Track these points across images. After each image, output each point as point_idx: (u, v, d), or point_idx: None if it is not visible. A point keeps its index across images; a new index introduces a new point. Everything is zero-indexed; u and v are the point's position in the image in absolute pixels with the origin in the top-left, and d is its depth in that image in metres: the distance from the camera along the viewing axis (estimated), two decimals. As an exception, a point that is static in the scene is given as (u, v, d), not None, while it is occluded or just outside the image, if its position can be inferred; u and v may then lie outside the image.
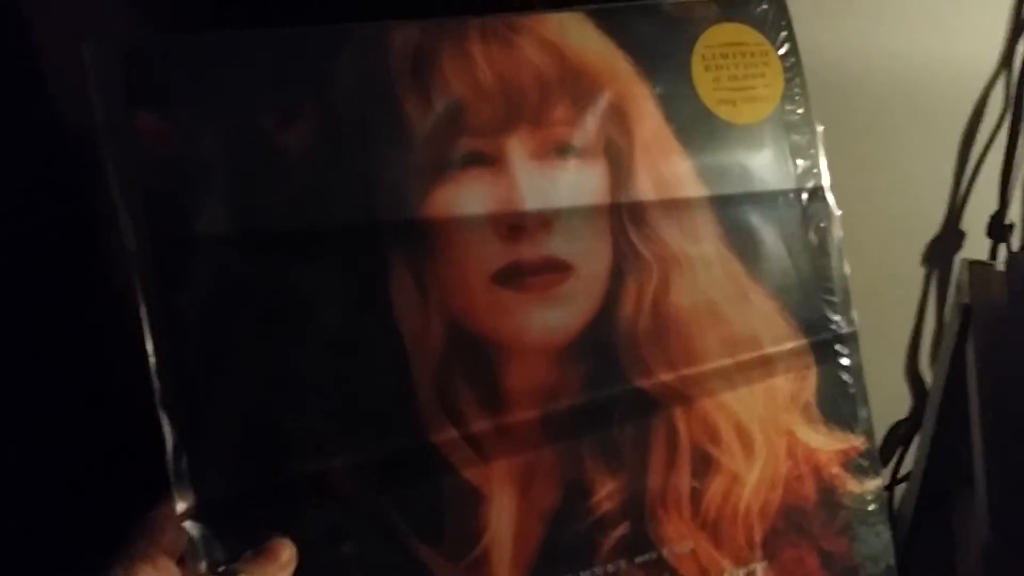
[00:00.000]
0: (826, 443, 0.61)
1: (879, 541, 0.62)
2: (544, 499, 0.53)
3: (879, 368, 0.60)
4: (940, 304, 0.94)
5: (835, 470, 0.61)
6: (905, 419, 0.98)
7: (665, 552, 0.56)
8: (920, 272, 0.94)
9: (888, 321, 0.95)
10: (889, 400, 0.97)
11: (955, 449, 0.79)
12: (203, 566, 0.45)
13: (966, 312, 0.79)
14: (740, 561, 0.58)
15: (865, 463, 0.62)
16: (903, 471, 0.94)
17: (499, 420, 0.53)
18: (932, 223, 0.92)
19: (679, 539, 0.56)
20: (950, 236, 0.90)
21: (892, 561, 0.62)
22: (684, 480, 0.57)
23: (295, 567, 0.47)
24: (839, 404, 0.61)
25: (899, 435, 0.96)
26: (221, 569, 0.45)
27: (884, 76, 0.85)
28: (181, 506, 0.46)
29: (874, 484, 0.62)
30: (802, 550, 0.59)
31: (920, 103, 0.86)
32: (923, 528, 0.83)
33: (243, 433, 0.47)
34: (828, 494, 0.61)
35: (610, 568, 0.54)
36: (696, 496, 0.57)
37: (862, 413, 0.62)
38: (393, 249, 0.51)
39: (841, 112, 0.81)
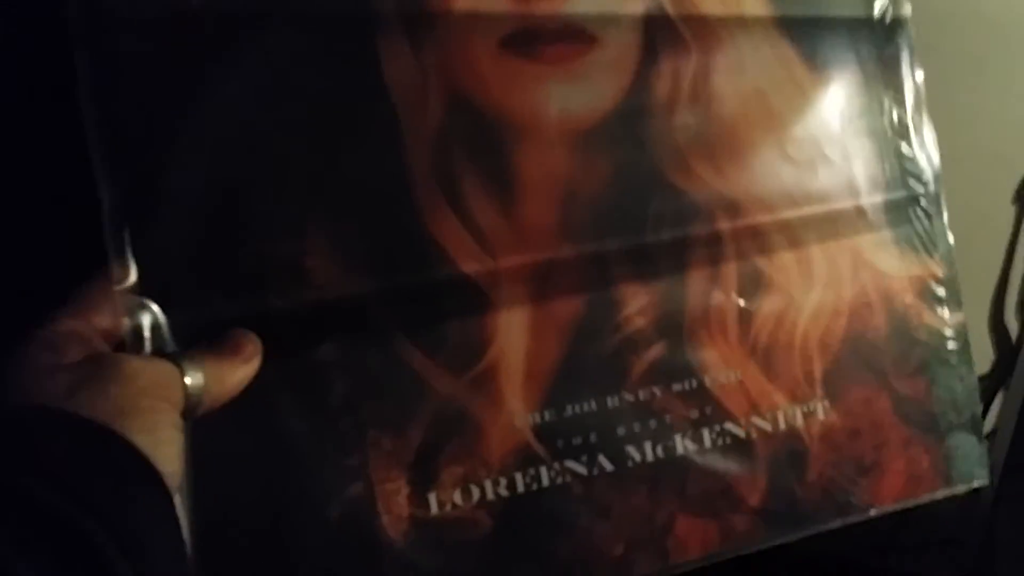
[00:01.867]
0: (899, 267, 0.52)
1: (961, 386, 0.52)
2: (563, 310, 0.45)
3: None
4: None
5: (909, 299, 0.52)
6: (987, 374, 0.87)
7: (707, 380, 0.47)
8: (1011, 213, 0.83)
9: (972, 267, 0.83)
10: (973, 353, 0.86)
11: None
12: (146, 351, 0.37)
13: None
14: (797, 397, 0.49)
15: (944, 292, 0.52)
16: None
17: (509, 211, 0.44)
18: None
19: (724, 366, 0.47)
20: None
21: (977, 410, 0.53)
22: (730, 298, 0.48)
23: (258, 365, 0.38)
24: (914, 223, 0.52)
25: (981, 392, 0.85)
26: (171, 352, 0.37)
27: (988, 6, 0.75)
28: (120, 282, 0.37)
29: (955, 318, 0.52)
30: (870, 390, 0.50)
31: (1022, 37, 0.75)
32: (1010, 493, 0.72)
33: (198, 200, 0.39)
34: (901, 327, 0.51)
35: (642, 395, 0.46)
36: (744, 317, 0.48)
37: (942, 238, 0.52)
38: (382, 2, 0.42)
39: (941, 44, 0.70)
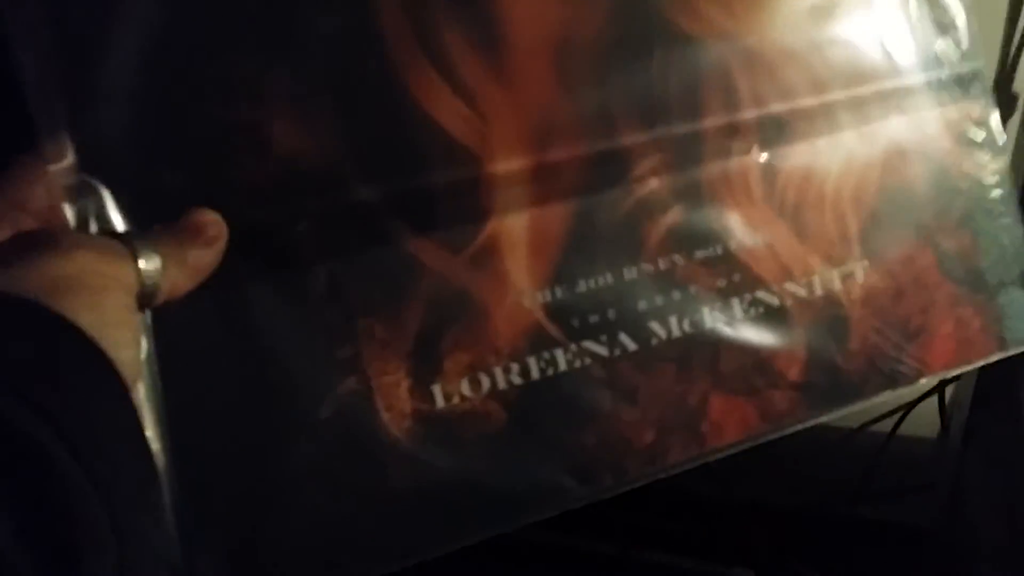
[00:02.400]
0: (933, 109, 0.46)
1: (1008, 238, 0.47)
2: (566, 173, 0.40)
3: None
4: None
5: (946, 144, 0.46)
6: None
7: (733, 245, 0.42)
8: None
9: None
10: None
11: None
12: (71, 217, 0.32)
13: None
14: (832, 259, 0.44)
15: (983, 135, 0.47)
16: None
17: (497, 65, 0.39)
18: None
19: (750, 228, 0.42)
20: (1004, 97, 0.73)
21: (1025, 267, 0.48)
22: (750, 151, 0.42)
23: (223, 248, 0.33)
24: (947, 63, 0.47)
25: None
26: (121, 232, 0.32)
27: None
28: (57, 160, 0.32)
29: (997, 163, 0.47)
30: (912, 246, 0.45)
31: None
32: (978, 433, 0.68)
33: (142, 63, 0.34)
34: (939, 175, 0.46)
35: (662, 264, 0.41)
36: (768, 173, 0.43)
37: (979, 79, 0.47)
38: None
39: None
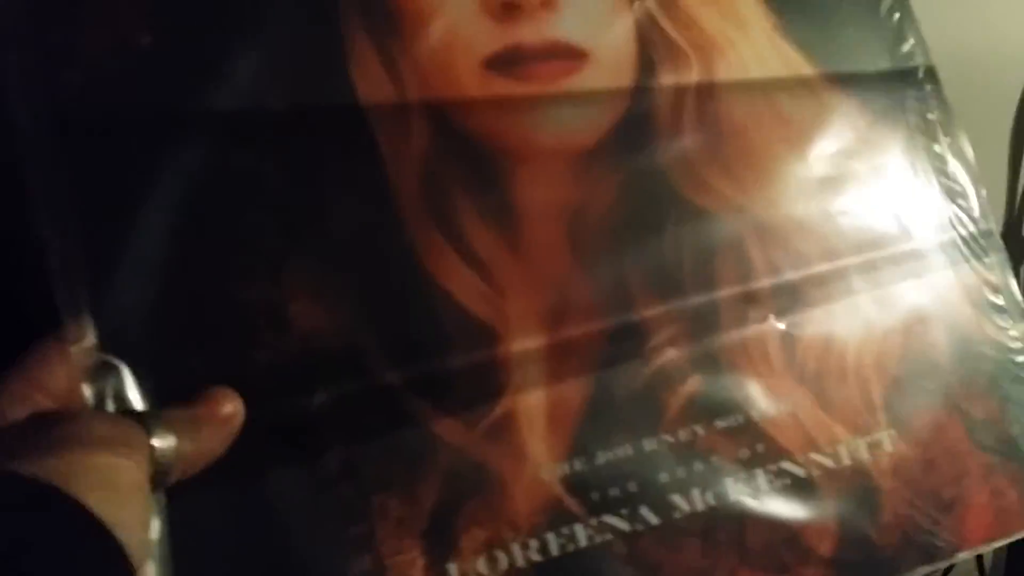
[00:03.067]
0: (950, 278, 0.46)
1: (1038, 403, 0.46)
2: (583, 345, 0.40)
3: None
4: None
5: (967, 310, 0.46)
6: None
7: (754, 414, 0.41)
8: None
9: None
10: None
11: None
12: (89, 396, 0.32)
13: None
14: (859, 428, 0.43)
15: (1003, 301, 0.47)
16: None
17: (512, 242, 0.40)
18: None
19: (771, 397, 0.42)
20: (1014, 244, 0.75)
21: (1061, 430, 0.46)
22: (767, 319, 0.43)
23: (239, 426, 0.33)
24: (963, 229, 0.47)
25: None
26: (135, 411, 0.32)
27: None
28: (77, 341, 0.33)
29: (1019, 329, 0.47)
30: (939, 414, 0.44)
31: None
32: None
33: (162, 247, 0.35)
34: (962, 341, 0.46)
35: (682, 435, 0.40)
36: (787, 341, 0.43)
37: (994, 249, 0.48)
38: (350, 17, 0.39)
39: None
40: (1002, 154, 0.70)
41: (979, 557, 0.70)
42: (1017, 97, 0.71)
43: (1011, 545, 0.61)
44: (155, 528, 0.31)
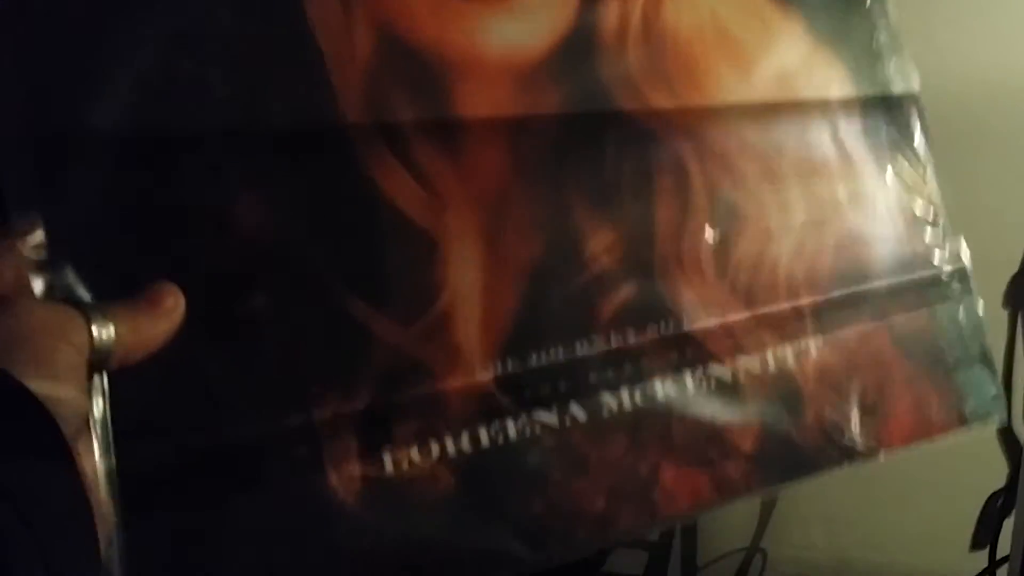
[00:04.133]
0: (885, 194, 0.48)
1: (966, 317, 0.48)
2: (520, 251, 0.42)
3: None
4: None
5: (899, 229, 0.48)
6: (1002, 488, 0.81)
7: (685, 322, 0.44)
8: (1004, 315, 0.78)
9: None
10: (983, 468, 0.80)
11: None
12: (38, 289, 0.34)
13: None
14: (786, 336, 0.45)
15: (936, 220, 0.48)
16: (1003, 549, 0.75)
17: (454, 152, 0.41)
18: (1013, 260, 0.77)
19: (702, 307, 0.44)
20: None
21: (986, 343, 0.49)
22: (702, 232, 0.44)
23: (181, 319, 0.36)
24: (900, 148, 0.48)
25: (997, 507, 0.79)
26: (77, 300, 0.35)
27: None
28: (24, 234, 0.35)
29: (951, 245, 0.48)
30: (867, 324, 0.46)
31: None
32: None
33: (110, 150, 0.37)
34: (893, 260, 0.48)
35: (614, 340, 0.43)
36: (720, 253, 0.45)
37: (929, 164, 0.49)
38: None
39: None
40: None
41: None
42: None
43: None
44: (97, 408, 0.34)
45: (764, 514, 0.84)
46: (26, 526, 0.26)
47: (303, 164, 0.39)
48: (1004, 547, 0.73)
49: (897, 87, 0.49)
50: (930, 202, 0.48)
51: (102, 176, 0.36)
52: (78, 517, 0.29)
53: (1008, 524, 0.73)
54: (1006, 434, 0.77)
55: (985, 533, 0.79)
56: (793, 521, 0.84)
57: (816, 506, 0.84)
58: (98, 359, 0.32)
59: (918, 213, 0.48)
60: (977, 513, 0.81)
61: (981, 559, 0.77)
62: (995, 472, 0.79)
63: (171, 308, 0.35)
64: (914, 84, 0.49)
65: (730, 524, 0.86)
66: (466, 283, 0.41)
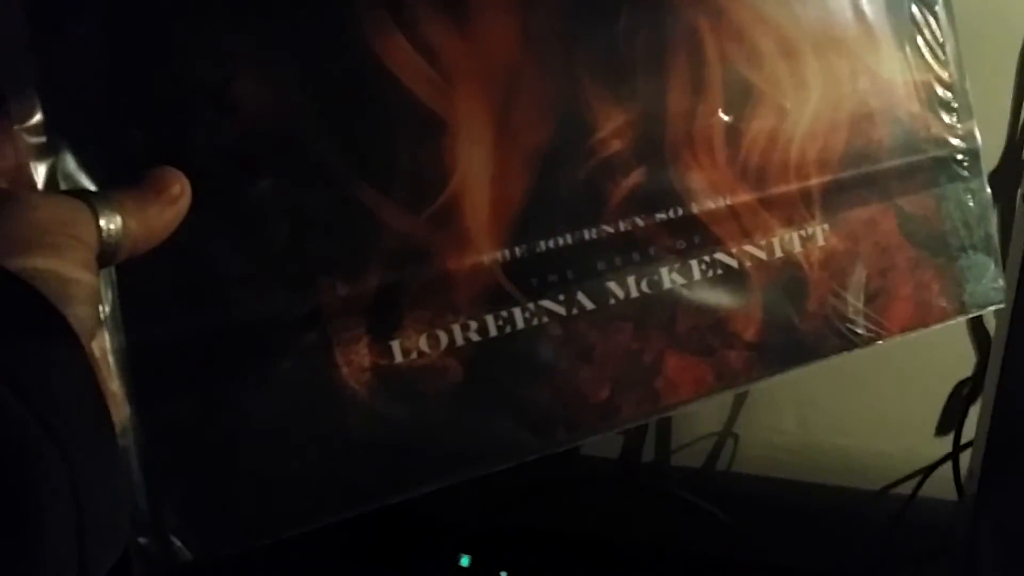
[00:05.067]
0: (902, 71, 0.46)
1: (973, 202, 0.48)
2: (530, 133, 0.40)
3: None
4: (1004, 246, 0.76)
5: (915, 108, 0.47)
6: (970, 377, 0.81)
7: (694, 207, 0.43)
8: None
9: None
10: (952, 357, 0.80)
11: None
12: (39, 176, 0.33)
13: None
14: (793, 221, 0.44)
15: (953, 99, 0.47)
16: (968, 436, 0.76)
17: (462, 26, 0.39)
18: (989, 157, 0.74)
19: (712, 191, 0.43)
20: (1010, 170, 0.72)
21: (992, 229, 0.48)
22: (715, 113, 0.43)
23: (186, 206, 0.34)
24: (920, 25, 0.47)
25: (963, 396, 0.79)
26: (82, 191, 0.33)
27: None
28: (23, 120, 0.33)
29: (965, 127, 0.47)
30: (874, 209, 0.46)
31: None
32: (991, 495, 0.68)
33: (107, 24, 0.34)
34: (906, 139, 0.47)
35: (622, 226, 0.41)
36: (732, 135, 0.43)
37: (949, 42, 0.47)
38: None
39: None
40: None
41: (955, 466, 0.73)
42: None
43: (986, 452, 0.66)
44: (106, 299, 0.33)
45: (737, 399, 0.86)
46: (35, 416, 0.25)
47: (305, 40, 0.36)
48: (968, 433, 0.75)
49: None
50: (949, 79, 0.47)
51: (98, 55, 0.33)
52: (88, 403, 0.27)
53: (974, 411, 0.74)
54: (975, 324, 0.79)
55: (951, 419, 0.81)
56: (765, 406, 0.86)
57: (787, 391, 0.86)
58: (107, 253, 0.31)
59: (937, 91, 0.47)
60: (944, 400, 0.83)
61: (946, 443, 0.79)
62: (964, 361, 0.81)
63: (177, 195, 0.33)
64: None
65: (703, 409, 0.88)
66: (475, 167, 0.39)
